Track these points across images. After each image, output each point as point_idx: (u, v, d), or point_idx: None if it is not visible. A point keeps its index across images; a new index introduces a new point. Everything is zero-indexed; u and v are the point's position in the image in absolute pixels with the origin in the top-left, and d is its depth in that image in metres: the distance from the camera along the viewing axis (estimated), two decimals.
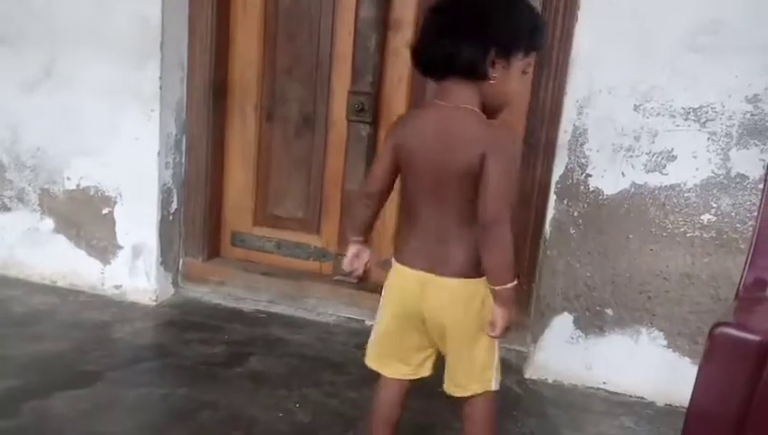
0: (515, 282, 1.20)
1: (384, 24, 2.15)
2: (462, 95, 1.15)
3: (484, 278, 1.19)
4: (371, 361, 1.34)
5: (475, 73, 1.13)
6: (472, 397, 1.27)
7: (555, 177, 1.86)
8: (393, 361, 1.31)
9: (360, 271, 1.36)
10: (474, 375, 1.26)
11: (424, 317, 1.24)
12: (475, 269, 1.19)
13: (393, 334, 1.30)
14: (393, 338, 1.30)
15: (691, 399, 1.08)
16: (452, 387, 1.29)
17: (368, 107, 2.18)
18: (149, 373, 1.82)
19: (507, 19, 1.14)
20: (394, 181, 1.27)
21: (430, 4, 1.20)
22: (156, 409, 1.64)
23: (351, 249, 1.34)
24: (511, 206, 1.19)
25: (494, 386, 1.28)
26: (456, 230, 1.19)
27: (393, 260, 1.29)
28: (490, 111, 1.18)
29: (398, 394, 1.34)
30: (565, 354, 1.94)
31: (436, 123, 1.17)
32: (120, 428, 1.53)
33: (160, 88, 2.13)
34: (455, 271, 1.19)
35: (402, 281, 1.26)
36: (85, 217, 2.27)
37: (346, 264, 1.35)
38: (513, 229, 1.18)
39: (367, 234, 1.36)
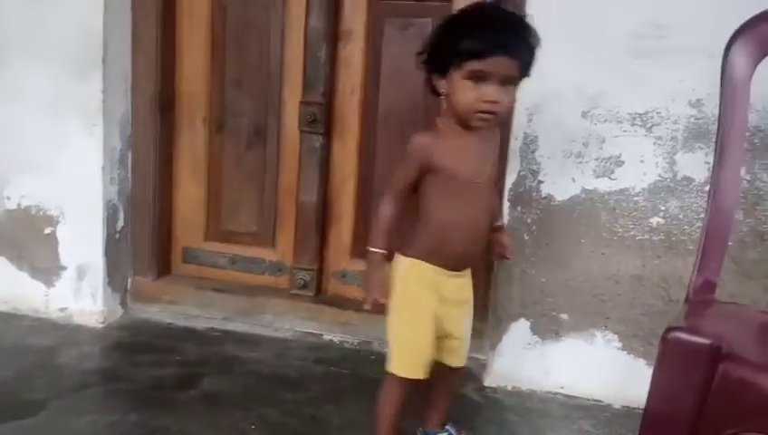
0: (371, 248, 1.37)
1: (334, 34, 2.13)
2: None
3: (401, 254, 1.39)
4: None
5: (434, 93, 1.34)
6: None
7: (508, 184, 1.87)
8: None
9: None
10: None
11: None
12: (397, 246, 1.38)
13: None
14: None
15: (647, 402, 1.08)
16: None
17: (320, 117, 2.15)
18: (97, 400, 1.73)
19: (433, 39, 1.30)
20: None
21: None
22: None
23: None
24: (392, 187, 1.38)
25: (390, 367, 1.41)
26: None
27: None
28: (456, 119, 1.31)
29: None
30: (523, 361, 1.94)
31: None
32: None
33: (103, 101, 2.06)
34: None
35: None
36: (27, 238, 2.17)
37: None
38: None
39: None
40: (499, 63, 1.22)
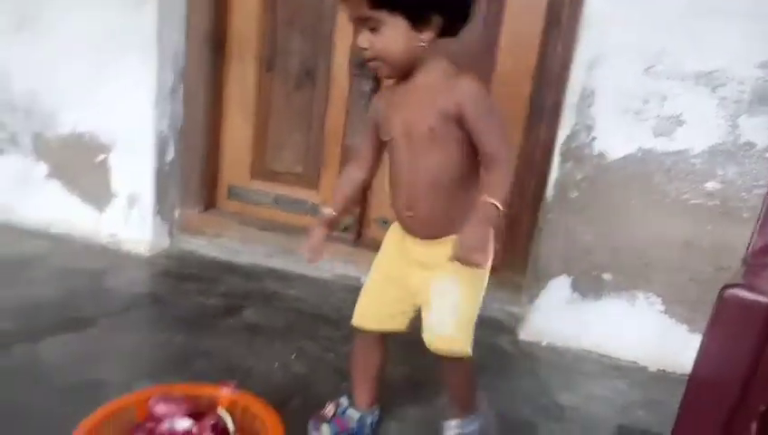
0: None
1: None
2: None
3: None
4: None
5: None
6: None
7: (561, 138, 1.83)
8: None
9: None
10: None
11: None
12: None
13: None
14: None
15: (695, 363, 1.06)
16: None
17: None
18: (144, 321, 1.80)
19: None
20: None
21: None
22: (150, 356, 1.63)
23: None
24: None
25: None
26: None
27: None
28: None
29: None
30: (560, 317, 1.94)
31: None
32: (113, 373, 1.52)
33: (157, 34, 2.07)
34: None
35: None
36: (79, 164, 2.23)
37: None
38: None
39: None
40: (346, 5, 1.11)
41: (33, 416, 1.33)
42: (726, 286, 0.98)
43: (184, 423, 1.18)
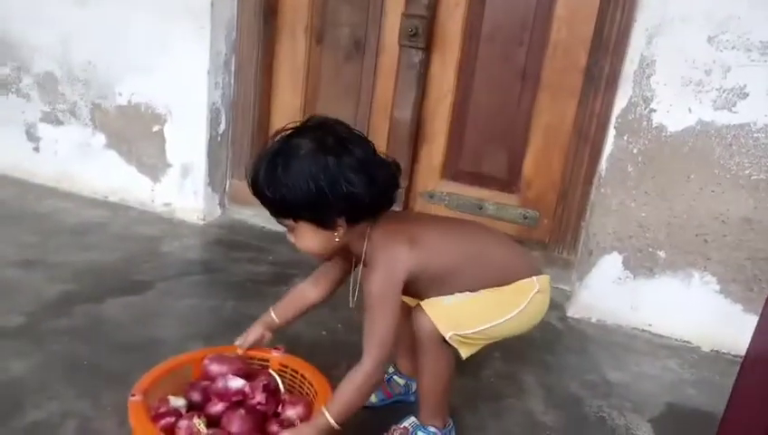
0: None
1: None
2: None
3: None
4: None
5: None
6: None
7: (617, 110, 1.79)
8: None
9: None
10: None
11: None
12: None
13: None
14: None
15: (750, 343, 1.04)
16: None
17: (421, 31, 2.10)
18: (198, 286, 1.86)
19: None
20: None
21: None
22: (204, 318, 1.68)
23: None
24: None
25: None
26: None
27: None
28: None
29: None
30: (611, 294, 1.91)
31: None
32: (170, 333, 1.58)
33: (211, 5, 2.09)
34: None
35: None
36: (136, 134, 2.29)
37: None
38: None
39: None
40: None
41: (96, 371, 1.40)
42: None
43: (237, 383, 1.22)
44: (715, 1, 1.63)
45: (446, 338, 1.17)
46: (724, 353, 1.81)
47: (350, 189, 1.07)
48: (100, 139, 2.34)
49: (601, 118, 1.90)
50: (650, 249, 1.83)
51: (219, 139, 2.29)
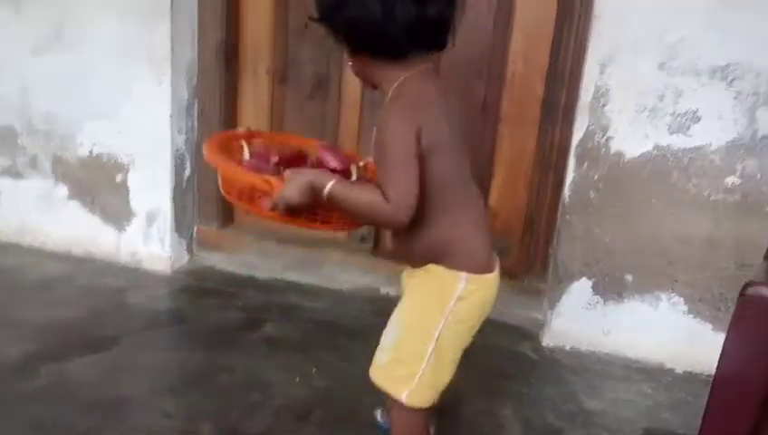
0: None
1: None
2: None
3: None
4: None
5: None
6: None
7: (575, 139, 1.82)
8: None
9: None
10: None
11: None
12: None
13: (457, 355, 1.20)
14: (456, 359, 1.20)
15: (718, 363, 1.04)
16: None
17: None
18: (166, 338, 1.82)
19: None
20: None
21: None
22: (174, 372, 1.64)
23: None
24: None
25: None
26: None
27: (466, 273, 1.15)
28: None
29: None
30: (583, 321, 1.91)
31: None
32: (139, 391, 1.53)
33: (171, 50, 2.09)
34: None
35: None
36: (99, 184, 2.26)
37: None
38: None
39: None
40: None
41: (62, 433, 1.35)
42: (748, 284, 0.96)
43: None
44: (664, 30, 1.69)
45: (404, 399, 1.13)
46: (697, 374, 1.83)
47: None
48: (63, 190, 2.31)
49: (561, 147, 1.94)
50: (618, 273, 1.85)
51: (185, 184, 2.27)
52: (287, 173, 1.11)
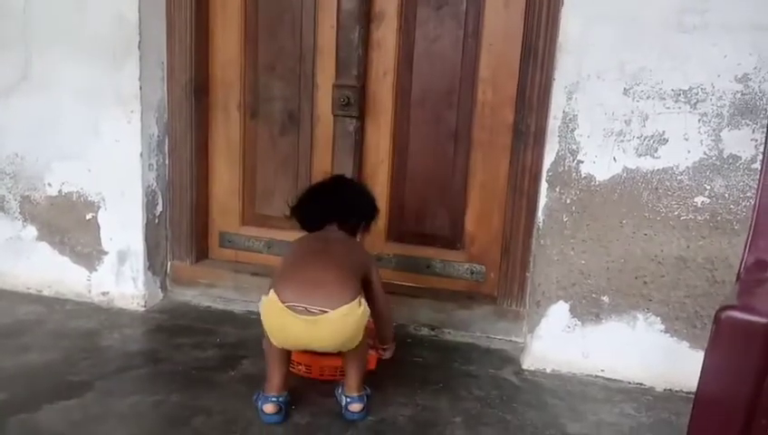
0: None
1: (367, 16, 2.11)
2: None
3: None
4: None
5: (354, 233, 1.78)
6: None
7: (546, 164, 1.84)
8: None
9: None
10: None
11: None
12: None
13: None
14: None
15: (698, 385, 1.05)
16: None
17: (354, 101, 2.14)
18: (141, 381, 1.77)
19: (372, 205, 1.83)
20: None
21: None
22: (149, 416, 1.59)
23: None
24: None
25: None
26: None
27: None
28: None
29: None
30: (562, 343, 1.92)
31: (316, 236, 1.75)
32: None
33: (140, 88, 2.08)
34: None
35: None
36: (68, 224, 2.22)
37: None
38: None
39: None
40: None
41: None
42: (722, 308, 0.98)
43: None
44: (626, 57, 1.73)
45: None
46: (677, 392, 1.84)
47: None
48: (31, 231, 2.26)
49: (533, 172, 1.96)
50: (594, 295, 1.87)
51: (157, 221, 2.24)
52: None
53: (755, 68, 1.66)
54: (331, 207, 1.75)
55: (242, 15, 2.22)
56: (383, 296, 1.73)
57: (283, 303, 1.49)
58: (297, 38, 2.20)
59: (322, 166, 2.24)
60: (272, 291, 1.53)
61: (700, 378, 1.05)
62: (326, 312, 1.47)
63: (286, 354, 1.60)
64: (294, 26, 2.20)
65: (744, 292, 1.08)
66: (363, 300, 1.54)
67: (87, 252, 2.22)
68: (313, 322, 1.47)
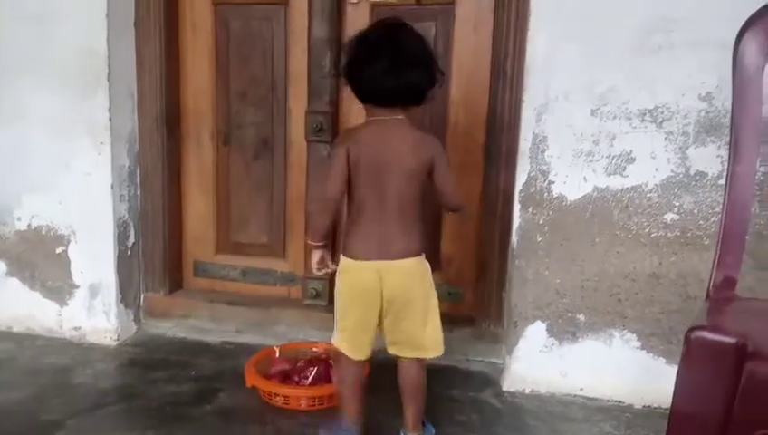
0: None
1: (338, 42, 2.12)
2: (398, 113, 1.46)
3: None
4: (351, 352, 1.51)
5: (421, 102, 1.46)
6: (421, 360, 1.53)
7: (518, 185, 1.86)
8: (366, 346, 1.52)
9: (330, 271, 1.58)
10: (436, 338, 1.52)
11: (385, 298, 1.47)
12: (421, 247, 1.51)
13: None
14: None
15: (672, 404, 1.06)
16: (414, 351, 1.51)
17: (327, 126, 2.14)
18: (114, 418, 1.73)
19: (434, 57, 1.46)
20: (346, 186, 1.47)
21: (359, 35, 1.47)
22: None
23: (315, 255, 1.57)
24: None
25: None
26: (402, 218, 1.46)
27: (343, 257, 1.49)
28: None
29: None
30: (541, 363, 1.92)
31: (382, 133, 1.46)
32: None
33: (110, 119, 2.06)
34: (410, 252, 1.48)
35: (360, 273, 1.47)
36: (39, 258, 2.18)
37: (314, 268, 1.58)
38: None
39: (328, 238, 1.59)
40: None
41: None
42: (692, 328, 0.99)
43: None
44: (592, 78, 1.76)
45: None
46: (655, 408, 1.84)
47: None
48: (0, 267, 2.21)
49: (506, 192, 1.97)
50: (570, 314, 1.88)
51: (129, 252, 2.21)
52: None
53: (718, 87, 1.69)
54: (401, 86, 1.41)
55: (212, 44, 2.22)
56: (447, 189, 1.50)
57: (357, 260, 1.45)
58: (269, 65, 2.21)
59: (297, 191, 2.24)
60: (344, 257, 1.48)
61: (673, 397, 1.06)
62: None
63: (362, 375, 1.56)
64: (266, 53, 2.20)
65: (714, 311, 1.09)
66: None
67: (58, 286, 2.18)
68: (387, 268, 1.44)
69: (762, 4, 1.22)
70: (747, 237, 1.45)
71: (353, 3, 2.11)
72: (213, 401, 1.80)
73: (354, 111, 2.16)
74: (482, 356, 2.10)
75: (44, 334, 2.19)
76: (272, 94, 2.22)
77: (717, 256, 1.17)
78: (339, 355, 1.53)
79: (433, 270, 2.15)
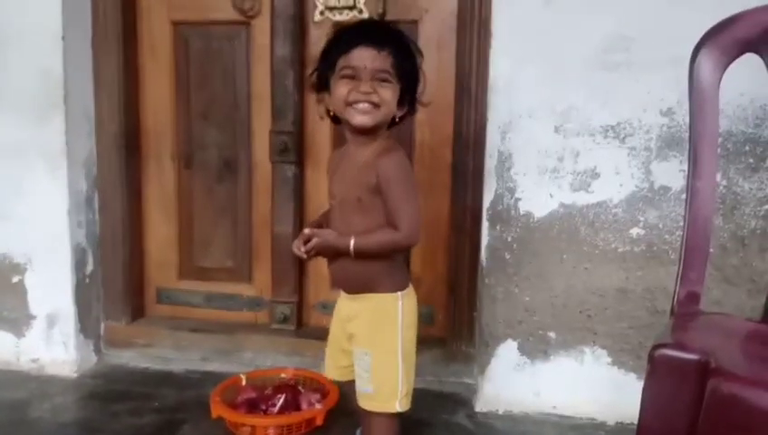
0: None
1: (301, 61, 2.10)
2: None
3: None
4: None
5: (328, 115, 1.38)
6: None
7: (486, 202, 1.85)
8: None
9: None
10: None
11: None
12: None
13: None
14: None
15: (639, 420, 1.05)
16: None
17: (291, 146, 2.11)
18: None
19: (318, 58, 1.35)
20: None
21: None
22: None
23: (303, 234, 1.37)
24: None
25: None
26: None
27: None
28: (347, 128, 1.34)
29: None
30: (513, 382, 1.90)
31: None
32: None
33: (66, 144, 2.00)
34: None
35: None
36: None
37: (295, 246, 1.38)
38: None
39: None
40: (365, 55, 1.23)
41: None
42: (655, 346, 0.98)
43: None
44: (554, 95, 1.76)
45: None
46: (628, 424, 1.82)
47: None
48: None
49: (474, 211, 1.96)
50: (540, 332, 1.86)
51: (88, 280, 2.14)
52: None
53: (678, 102, 1.71)
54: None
55: (173, 64, 2.19)
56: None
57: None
58: (231, 85, 2.18)
59: (263, 212, 2.20)
60: (410, 287, 1.38)
61: (640, 413, 1.05)
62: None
63: None
64: (227, 73, 2.17)
65: (678, 327, 1.08)
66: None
67: (14, 317, 2.10)
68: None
69: (714, 23, 1.23)
70: (711, 250, 1.46)
71: (316, 22, 2.10)
72: (177, 433, 1.73)
73: (320, 129, 2.14)
74: (454, 377, 2.07)
75: (1, 367, 2.10)
76: (235, 115, 2.19)
77: (680, 272, 1.17)
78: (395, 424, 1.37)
79: None
